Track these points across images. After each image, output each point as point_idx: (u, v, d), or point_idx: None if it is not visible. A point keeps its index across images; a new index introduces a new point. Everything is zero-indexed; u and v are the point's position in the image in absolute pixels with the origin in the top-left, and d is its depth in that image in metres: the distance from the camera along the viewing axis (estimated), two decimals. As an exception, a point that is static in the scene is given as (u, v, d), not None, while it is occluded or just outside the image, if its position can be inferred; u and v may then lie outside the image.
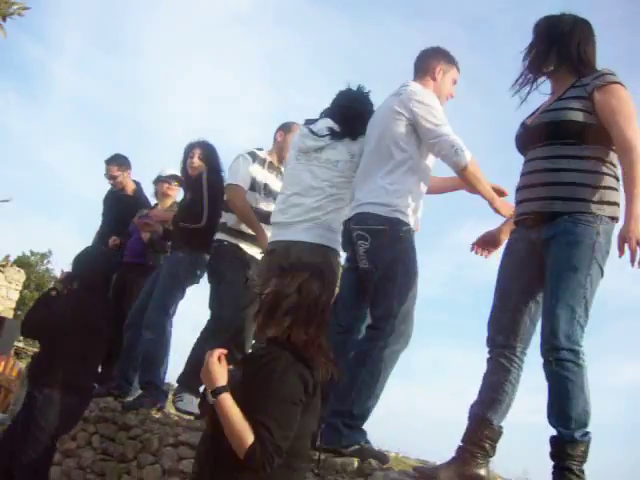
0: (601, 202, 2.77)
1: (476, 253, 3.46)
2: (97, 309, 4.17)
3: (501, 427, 2.94)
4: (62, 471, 4.79)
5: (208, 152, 4.96)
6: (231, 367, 2.20)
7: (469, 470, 2.83)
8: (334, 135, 3.69)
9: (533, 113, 3.11)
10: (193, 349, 4.41)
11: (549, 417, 2.69)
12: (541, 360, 2.73)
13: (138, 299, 4.99)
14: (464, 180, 3.40)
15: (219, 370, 2.12)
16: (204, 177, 4.78)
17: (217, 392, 2.07)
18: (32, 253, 29.88)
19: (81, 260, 4.37)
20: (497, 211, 3.32)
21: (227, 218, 4.53)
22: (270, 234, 3.94)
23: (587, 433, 2.64)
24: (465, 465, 2.84)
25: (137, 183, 6.07)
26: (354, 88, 3.89)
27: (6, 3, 2.55)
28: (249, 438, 2.01)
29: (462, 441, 2.93)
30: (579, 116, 2.83)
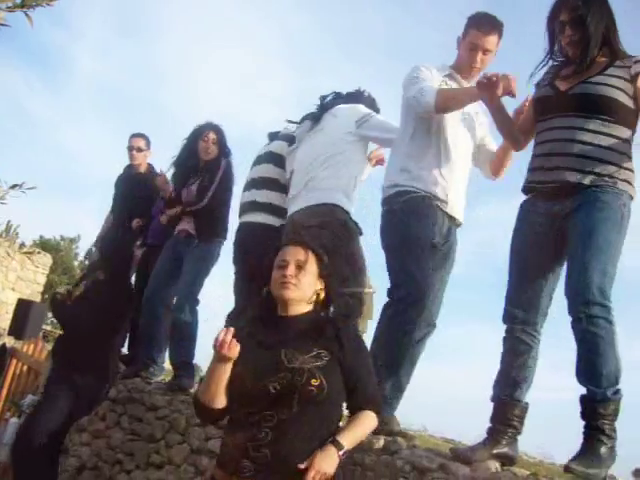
0: (626, 181, 2.80)
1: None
2: (123, 296, 4.22)
3: (527, 403, 2.93)
4: (92, 451, 4.87)
5: (220, 135, 4.99)
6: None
7: (502, 450, 2.83)
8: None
9: (552, 76, 3.04)
10: None
11: (578, 375, 2.67)
12: (568, 320, 2.71)
13: (153, 280, 5.01)
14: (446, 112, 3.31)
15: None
16: (222, 164, 4.86)
17: (344, 453, 2.11)
18: (62, 238, 30.20)
19: (107, 249, 4.45)
20: (492, 99, 3.02)
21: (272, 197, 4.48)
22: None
23: (618, 391, 2.63)
24: (497, 445, 2.84)
25: (151, 166, 6.09)
26: (362, 92, 4.19)
27: (36, -9, 2.54)
28: (374, 426, 2.25)
29: (492, 421, 2.92)
30: (621, 96, 2.81)
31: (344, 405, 2.27)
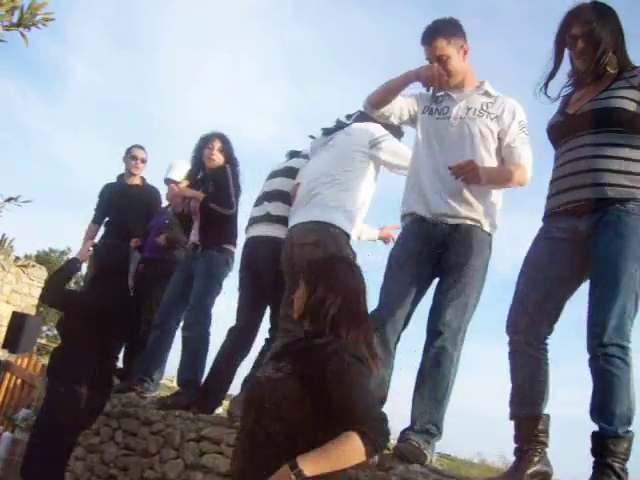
0: None
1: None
2: (112, 304, 4.21)
3: (548, 415, 2.87)
4: (85, 466, 4.84)
5: (227, 145, 4.95)
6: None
7: (536, 468, 2.79)
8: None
9: (563, 104, 3.05)
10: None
11: (592, 413, 2.65)
12: (587, 355, 2.67)
13: (165, 297, 4.98)
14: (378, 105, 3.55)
15: None
16: (228, 169, 4.79)
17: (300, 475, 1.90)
18: (51, 250, 30.17)
19: (97, 255, 4.46)
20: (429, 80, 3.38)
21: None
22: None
23: (630, 431, 2.61)
24: (530, 464, 2.78)
25: (144, 179, 6.12)
26: None
27: (31, 14, 2.56)
28: (355, 450, 1.93)
29: (517, 441, 2.86)
30: (630, 105, 2.79)
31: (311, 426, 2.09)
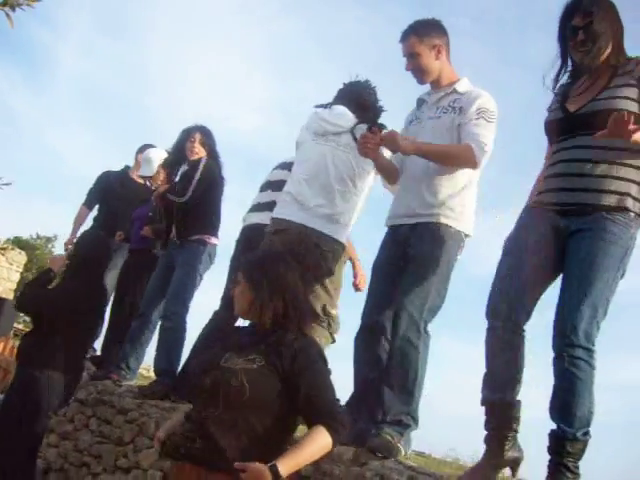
0: None
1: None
2: (87, 292, 4.17)
3: (520, 401, 2.85)
4: (59, 453, 4.81)
5: (208, 137, 4.99)
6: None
7: (508, 455, 2.79)
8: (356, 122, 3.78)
9: (562, 97, 3.00)
10: None
11: (551, 412, 2.66)
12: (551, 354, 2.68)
13: (148, 289, 4.99)
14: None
15: None
16: (203, 160, 4.82)
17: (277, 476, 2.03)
18: (38, 236, 29.87)
19: (78, 244, 4.43)
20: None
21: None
22: (282, 206, 3.86)
23: (588, 432, 2.63)
24: (502, 452, 2.78)
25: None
26: (362, 80, 3.99)
27: (16, -6, 2.53)
28: (325, 444, 2.12)
29: (487, 428, 2.84)
30: (632, 106, 2.74)
31: (284, 416, 2.23)
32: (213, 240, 4.86)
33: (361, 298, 3.62)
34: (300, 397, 2.17)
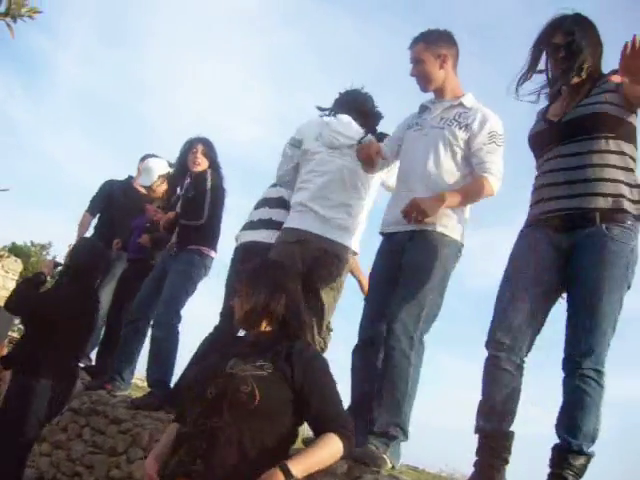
0: (637, 202, 2.78)
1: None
2: (79, 299, 4.16)
3: (513, 432, 2.85)
4: (51, 462, 4.78)
5: (210, 149, 5.00)
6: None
7: None
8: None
9: (543, 113, 3.07)
10: None
11: (557, 427, 2.67)
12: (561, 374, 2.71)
13: (141, 293, 4.94)
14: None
15: None
16: (208, 175, 4.81)
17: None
18: (32, 244, 29.77)
19: (73, 251, 4.43)
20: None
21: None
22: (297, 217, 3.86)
23: (592, 450, 2.63)
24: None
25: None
26: (357, 87, 4.08)
27: (17, 5, 2.56)
28: (337, 450, 2.13)
29: (479, 455, 2.83)
30: (612, 110, 2.80)
31: (291, 426, 2.23)
32: (212, 253, 4.86)
33: (357, 310, 3.63)
34: (312, 407, 2.17)
